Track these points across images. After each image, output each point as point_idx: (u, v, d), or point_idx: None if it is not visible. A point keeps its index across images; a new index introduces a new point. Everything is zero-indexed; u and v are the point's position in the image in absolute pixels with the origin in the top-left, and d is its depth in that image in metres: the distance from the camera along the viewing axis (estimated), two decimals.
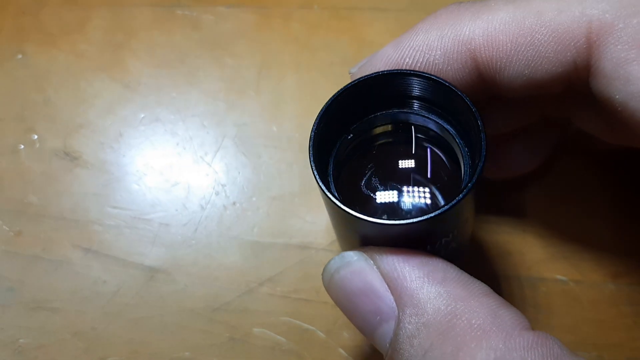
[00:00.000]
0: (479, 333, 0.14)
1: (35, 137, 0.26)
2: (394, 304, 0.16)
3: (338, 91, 0.16)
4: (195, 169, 0.26)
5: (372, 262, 0.16)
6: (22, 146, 0.26)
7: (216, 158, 0.26)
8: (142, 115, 0.27)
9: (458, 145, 0.17)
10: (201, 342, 0.24)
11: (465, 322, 0.14)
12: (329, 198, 0.15)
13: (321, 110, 0.16)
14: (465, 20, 0.16)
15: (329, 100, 0.16)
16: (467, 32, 0.16)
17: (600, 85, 0.15)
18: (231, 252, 0.25)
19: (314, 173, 0.16)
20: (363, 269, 0.16)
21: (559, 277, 0.25)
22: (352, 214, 0.15)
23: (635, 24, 0.14)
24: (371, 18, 0.28)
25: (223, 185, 0.26)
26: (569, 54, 0.15)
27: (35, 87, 0.27)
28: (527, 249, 0.25)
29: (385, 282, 0.16)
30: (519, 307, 0.24)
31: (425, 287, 0.15)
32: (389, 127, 0.18)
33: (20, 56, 0.28)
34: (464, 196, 0.15)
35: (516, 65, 0.16)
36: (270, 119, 0.27)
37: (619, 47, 0.14)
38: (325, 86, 0.27)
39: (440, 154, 0.18)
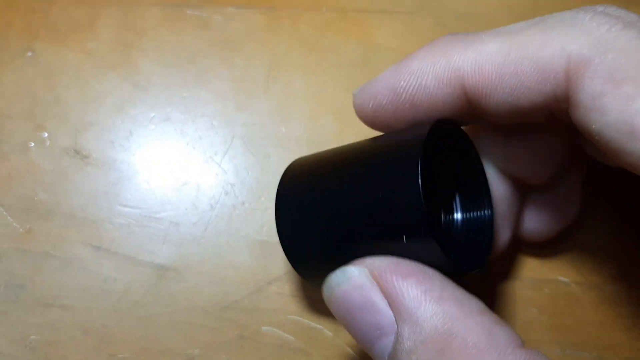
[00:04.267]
0: (474, 351, 0.15)
1: (46, 134, 0.27)
2: (394, 319, 0.17)
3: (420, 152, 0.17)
4: (205, 169, 0.26)
5: (372, 277, 0.17)
6: (33, 144, 0.26)
7: (225, 158, 0.26)
8: (153, 115, 0.27)
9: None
10: (210, 339, 0.24)
11: (460, 340, 0.15)
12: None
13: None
14: (457, 49, 0.18)
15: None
16: (457, 60, 0.17)
17: (578, 116, 0.16)
18: (240, 251, 0.25)
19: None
20: (364, 284, 0.17)
21: (561, 278, 0.25)
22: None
23: (610, 60, 0.15)
24: (379, 20, 0.29)
25: (232, 185, 0.26)
26: (548, 85, 0.16)
27: (45, 85, 0.27)
28: (531, 251, 0.26)
29: (385, 298, 0.17)
30: (522, 308, 0.25)
31: (423, 305, 0.16)
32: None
33: (30, 54, 0.28)
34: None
35: (500, 93, 0.17)
36: (279, 120, 0.27)
37: (594, 80, 0.15)
38: (333, 88, 0.28)
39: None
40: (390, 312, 0.17)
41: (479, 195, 0.21)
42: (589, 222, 0.26)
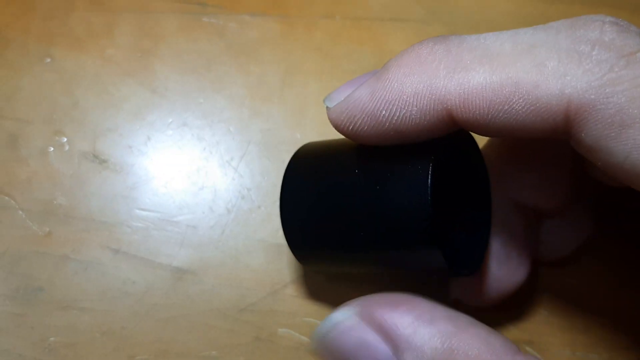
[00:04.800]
0: None
1: (65, 139, 0.27)
2: (390, 352, 0.17)
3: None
4: (222, 173, 0.27)
5: (360, 317, 0.17)
6: (52, 149, 0.27)
7: (242, 163, 0.27)
8: (170, 120, 0.27)
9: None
10: (228, 341, 0.25)
11: (463, 355, 0.16)
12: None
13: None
14: (439, 77, 0.16)
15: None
16: (442, 91, 0.16)
17: (580, 150, 0.16)
18: (257, 255, 0.26)
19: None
20: (353, 326, 0.17)
21: (572, 281, 0.26)
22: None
23: (614, 104, 0.14)
24: (391, 28, 0.29)
25: (248, 189, 0.27)
26: (547, 126, 0.15)
27: (64, 91, 0.28)
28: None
29: (378, 333, 0.17)
30: (533, 310, 0.25)
31: (418, 331, 0.16)
32: None
33: (48, 60, 0.28)
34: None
35: (493, 127, 0.16)
36: (294, 125, 0.28)
37: (598, 125, 0.15)
38: None
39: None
40: (386, 346, 0.17)
41: (480, 199, 0.21)
42: (598, 227, 0.26)
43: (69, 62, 0.28)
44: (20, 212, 0.26)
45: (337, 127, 0.18)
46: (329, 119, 0.19)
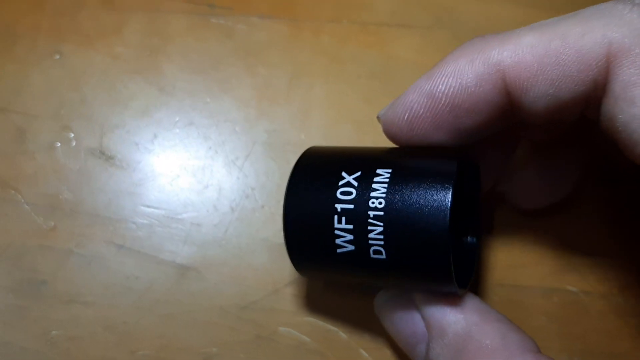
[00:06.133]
0: (487, 351, 0.17)
1: (72, 135, 0.27)
2: (425, 329, 0.20)
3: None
4: (227, 172, 0.27)
5: (409, 296, 0.21)
6: (59, 144, 0.27)
7: (247, 162, 0.27)
8: (177, 119, 0.28)
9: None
10: (229, 339, 0.25)
11: (477, 342, 0.18)
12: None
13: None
14: (493, 45, 0.17)
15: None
16: (496, 55, 0.17)
17: (608, 106, 0.16)
18: (259, 254, 0.26)
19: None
20: (402, 301, 0.21)
21: (569, 288, 0.26)
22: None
23: None
24: (398, 34, 0.30)
25: (253, 189, 0.27)
26: (590, 73, 0.16)
27: (72, 87, 0.28)
28: (541, 262, 0.26)
29: (419, 311, 0.20)
30: (533, 315, 0.25)
31: (448, 315, 0.19)
32: None
33: (58, 56, 0.28)
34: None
35: (542, 84, 0.17)
36: (299, 127, 0.28)
37: (631, 70, 0.15)
38: (352, 97, 0.29)
39: None
40: (423, 323, 0.20)
41: (470, 221, 0.22)
42: (597, 232, 0.26)
43: (77, 59, 0.29)
44: (26, 206, 0.26)
45: (391, 124, 0.19)
46: (382, 123, 0.19)
